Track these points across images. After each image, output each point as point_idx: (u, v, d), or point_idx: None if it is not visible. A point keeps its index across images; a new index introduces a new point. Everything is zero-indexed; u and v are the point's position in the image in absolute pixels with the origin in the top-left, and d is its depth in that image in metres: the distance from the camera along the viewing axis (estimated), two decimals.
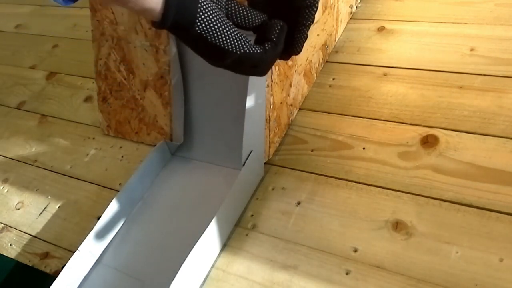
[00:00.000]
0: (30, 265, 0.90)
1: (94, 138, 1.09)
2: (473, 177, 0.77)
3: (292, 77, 0.93)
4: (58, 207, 0.97)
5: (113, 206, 0.83)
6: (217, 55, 0.55)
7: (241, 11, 0.57)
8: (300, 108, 0.99)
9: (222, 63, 0.56)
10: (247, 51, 0.55)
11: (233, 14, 0.57)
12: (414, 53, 1.03)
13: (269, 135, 0.88)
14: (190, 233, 0.77)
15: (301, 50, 0.63)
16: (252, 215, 0.83)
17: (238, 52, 0.54)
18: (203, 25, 0.52)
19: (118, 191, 0.90)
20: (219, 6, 0.55)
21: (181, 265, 0.69)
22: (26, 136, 1.17)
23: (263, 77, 0.84)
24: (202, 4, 0.51)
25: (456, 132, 0.85)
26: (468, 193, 0.76)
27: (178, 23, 0.51)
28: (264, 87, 0.84)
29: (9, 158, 1.13)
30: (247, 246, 0.79)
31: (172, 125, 0.95)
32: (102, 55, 1.01)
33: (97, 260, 0.82)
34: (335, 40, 1.11)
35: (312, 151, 0.90)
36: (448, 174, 0.79)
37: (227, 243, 0.80)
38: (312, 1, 0.58)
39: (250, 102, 0.81)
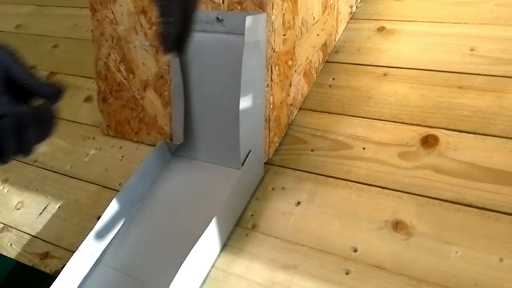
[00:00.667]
0: (30, 265, 0.90)
1: (94, 138, 1.09)
2: (473, 177, 0.77)
3: (292, 77, 0.93)
4: (58, 207, 0.97)
5: (113, 206, 0.83)
6: None
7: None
8: (300, 108, 0.99)
9: None
10: None
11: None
12: (414, 53, 1.03)
13: (269, 135, 0.88)
14: (190, 233, 0.77)
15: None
16: (252, 215, 0.83)
17: None
18: None
19: (118, 191, 0.90)
20: None
21: (181, 265, 0.69)
22: None
23: (262, 77, 0.84)
24: None
25: (456, 132, 0.85)
26: (468, 193, 0.76)
27: None
28: (263, 87, 0.84)
29: None
30: (247, 246, 0.79)
31: (172, 125, 0.95)
32: (102, 55, 1.01)
33: (97, 260, 0.82)
34: (335, 40, 1.11)
35: (312, 151, 0.90)
36: (448, 174, 0.79)
37: (227, 243, 0.80)
38: None
39: (247, 102, 0.81)
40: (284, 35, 0.87)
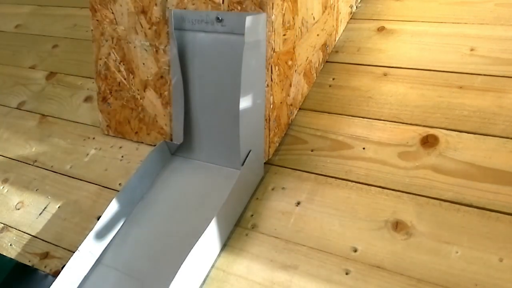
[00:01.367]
0: (30, 265, 0.90)
1: (94, 138, 1.09)
2: (473, 177, 0.77)
3: (292, 77, 0.93)
4: (58, 207, 0.97)
5: (113, 206, 0.83)
6: None
7: None
8: (300, 108, 0.99)
9: None
10: None
11: None
12: (414, 53, 1.03)
13: (269, 135, 0.88)
14: (190, 233, 0.77)
15: None
16: (252, 215, 0.83)
17: None
18: None
19: (118, 191, 0.90)
20: None
21: (181, 265, 0.69)
22: (26, 136, 1.17)
23: (262, 77, 0.84)
24: None
25: (456, 132, 0.85)
26: (468, 193, 0.76)
27: None
28: (263, 87, 0.84)
29: (9, 158, 1.13)
30: (247, 246, 0.79)
31: (172, 125, 0.95)
32: (102, 55, 1.01)
33: (97, 260, 0.82)
34: (335, 40, 1.11)
35: (312, 151, 0.90)
36: (448, 174, 0.79)
37: (227, 243, 0.80)
38: None
39: (247, 102, 0.81)
40: (284, 35, 0.87)
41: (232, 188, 0.79)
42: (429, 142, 0.84)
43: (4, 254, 0.93)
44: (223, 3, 0.83)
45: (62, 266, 0.81)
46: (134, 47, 0.96)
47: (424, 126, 0.87)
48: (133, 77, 0.98)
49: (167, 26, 0.90)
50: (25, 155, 1.12)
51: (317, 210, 0.80)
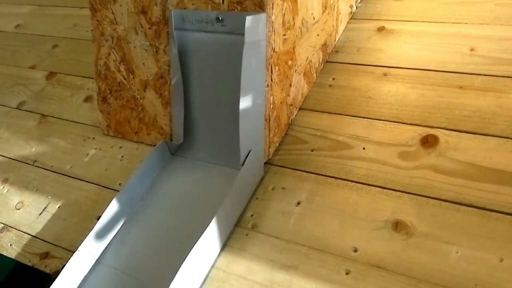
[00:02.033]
0: (30, 265, 0.90)
1: (94, 138, 1.09)
2: (473, 177, 0.77)
3: (292, 77, 0.93)
4: (58, 207, 0.97)
5: (113, 206, 0.83)
6: None
7: None
8: (300, 108, 0.99)
9: None
10: None
11: None
12: (414, 53, 1.03)
13: (269, 135, 0.88)
14: (190, 233, 0.77)
15: None
16: (252, 215, 0.83)
17: None
18: None
19: (118, 191, 0.90)
20: None
21: (181, 265, 0.69)
22: (26, 136, 1.17)
23: (262, 77, 0.84)
24: None
25: (456, 132, 0.85)
26: (468, 193, 0.76)
27: None
28: (263, 87, 0.84)
29: (9, 158, 1.13)
30: (247, 246, 0.79)
31: (172, 125, 0.95)
32: (102, 55, 1.01)
33: (97, 260, 0.82)
34: (335, 40, 1.11)
35: (312, 151, 0.90)
36: (448, 174, 0.79)
37: (227, 243, 0.80)
38: None
39: (247, 102, 0.81)
40: (284, 35, 0.87)
41: (232, 188, 0.79)
42: (429, 142, 0.85)
43: (4, 254, 0.93)
44: (223, 3, 0.83)
45: (62, 266, 0.81)
46: (134, 47, 0.96)
47: (424, 126, 0.87)
48: (133, 77, 0.98)
49: (167, 26, 0.90)
50: (25, 155, 1.12)
51: (317, 210, 0.80)
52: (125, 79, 1.00)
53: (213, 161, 0.89)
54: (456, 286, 0.66)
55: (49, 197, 1.00)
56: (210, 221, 0.74)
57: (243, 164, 0.82)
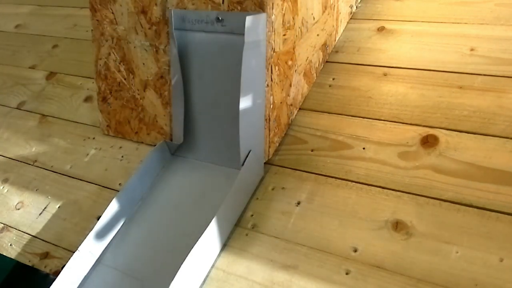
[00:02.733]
0: (30, 265, 0.90)
1: (94, 138, 1.09)
2: (473, 177, 0.77)
3: (292, 77, 0.93)
4: (58, 207, 0.97)
5: (113, 206, 0.83)
6: None
7: None
8: (300, 108, 0.99)
9: None
10: None
11: None
12: (414, 53, 1.03)
13: (269, 135, 0.88)
14: (190, 233, 0.77)
15: None
16: (252, 215, 0.83)
17: None
18: None
19: (118, 191, 0.90)
20: None
21: (181, 265, 0.69)
22: (26, 136, 1.17)
23: (262, 77, 0.84)
24: None
25: (456, 132, 0.85)
26: (468, 193, 0.76)
27: None
28: (263, 87, 0.84)
29: (9, 158, 1.13)
30: (247, 246, 0.79)
31: (172, 125, 0.95)
32: (102, 55, 1.01)
33: (97, 260, 0.82)
34: (335, 40, 1.11)
35: (312, 151, 0.90)
36: (448, 174, 0.79)
37: (227, 243, 0.80)
38: None
39: (247, 102, 0.81)
40: (284, 35, 0.87)
41: (232, 188, 0.79)
42: (429, 142, 0.84)
43: (4, 254, 0.93)
44: (223, 3, 0.83)
45: (62, 266, 0.81)
46: (134, 47, 0.96)
47: (424, 126, 0.87)
48: (133, 77, 0.98)
49: (167, 26, 0.90)
50: (25, 155, 1.12)
51: (317, 210, 0.80)
52: (125, 79, 1.00)
53: (213, 161, 0.89)
54: (456, 286, 0.66)
55: (49, 197, 1.00)
56: (210, 221, 0.74)
57: (243, 164, 0.82)
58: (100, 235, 0.82)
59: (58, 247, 0.90)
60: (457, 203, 0.75)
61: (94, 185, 0.99)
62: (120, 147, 1.04)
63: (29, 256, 0.91)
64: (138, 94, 0.99)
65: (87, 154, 1.06)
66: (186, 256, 0.70)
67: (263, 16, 0.80)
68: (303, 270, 0.73)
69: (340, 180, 0.84)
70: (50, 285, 0.75)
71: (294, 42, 0.91)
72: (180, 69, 0.88)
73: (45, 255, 0.89)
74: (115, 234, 0.84)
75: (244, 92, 0.80)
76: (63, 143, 1.11)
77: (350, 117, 0.94)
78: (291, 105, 0.95)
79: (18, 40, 1.57)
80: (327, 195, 0.82)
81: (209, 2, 0.84)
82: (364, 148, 0.87)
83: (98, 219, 0.82)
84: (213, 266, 0.77)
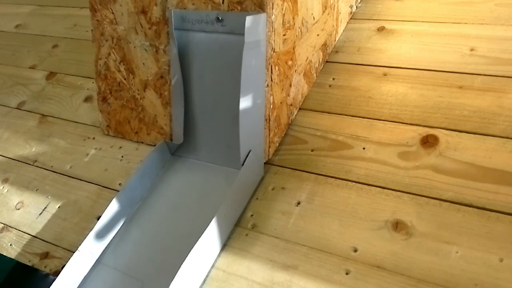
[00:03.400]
0: (30, 265, 0.90)
1: (94, 138, 1.09)
2: (473, 177, 0.77)
3: (292, 77, 0.93)
4: (58, 207, 0.97)
5: (113, 206, 0.83)
6: None
7: None
8: (300, 108, 0.99)
9: None
10: None
11: None
12: (414, 53, 1.03)
13: (269, 135, 0.88)
14: (190, 233, 0.77)
15: None
16: (252, 215, 0.83)
17: None
18: None
19: (118, 191, 0.90)
20: None
21: (181, 265, 0.69)
22: (26, 136, 1.17)
23: (262, 77, 0.84)
24: None
25: (456, 132, 0.85)
26: (468, 193, 0.76)
27: None
28: (263, 87, 0.84)
29: (9, 158, 1.13)
30: (247, 246, 0.79)
31: (172, 125, 0.95)
32: (102, 55, 1.01)
33: (97, 260, 0.82)
34: (335, 40, 1.11)
35: (312, 151, 0.90)
36: (448, 174, 0.79)
37: (227, 243, 0.80)
38: None
39: (247, 102, 0.81)
40: (284, 35, 0.87)
41: (232, 188, 0.79)
42: (429, 142, 0.85)
43: (4, 254, 0.93)
44: (223, 3, 0.83)
45: (62, 266, 0.81)
46: (134, 47, 0.96)
47: (424, 126, 0.87)
48: (133, 77, 0.98)
49: (167, 26, 0.90)
50: (25, 155, 1.12)
51: (317, 210, 0.80)
52: (125, 79, 1.00)
53: (213, 161, 0.89)
54: (456, 286, 0.66)
55: (49, 197, 1.00)
56: (210, 221, 0.74)
57: (243, 164, 0.82)
58: (100, 235, 0.82)
59: (58, 247, 0.90)
60: (457, 203, 0.75)
61: (94, 185, 0.99)
62: (120, 147, 1.04)
63: (29, 256, 0.91)
64: (138, 94, 0.99)
65: (87, 154, 1.06)
66: (186, 256, 0.70)
67: (263, 16, 0.80)
68: (303, 270, 0.73)
69: (340, 180, 0.84)
70: (50, 285, 0.75)
71: (294, 42, 0.91)
72: (180, 69, 0.88)
73: (45, 255, 0.89)
74: (115, 234, 0.84)
75: (244, 92, 0.80)
76: (63, 143, 1.11)
77: (350, 117, 0.94)
78: (291, 105, 0.95)
79: (18, 40, 1.57)
80: (327, 195, 0.82)
81: (209, 2, 0.84)
82: (364, 148, 0.87)
83: (98, 219, 0.82)
84: (213, 266, 0.77)
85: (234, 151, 0.84)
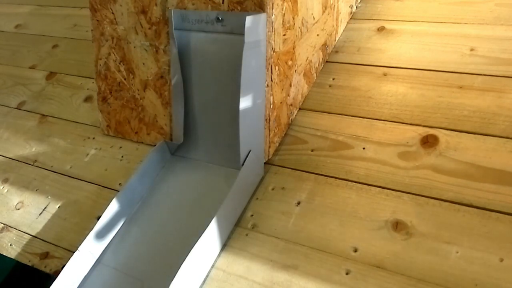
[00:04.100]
0: (30, 265, 0.90)
1: (94, 138, 1.09)
2: (473, 177, 0.77)
3: (292, 77, 0.93)
4: (58, 207, 0.97)
5: (113, 206, 0.83)
6: None
7: None
8: (300, 108, 0.99)
9: None
10: None
11: None
12: (414, 53, 1.03)
13: (269, 135, 0.88)
14: (190, 233, 0.77)
15: None
16: (252, 215, 0.83)
17: None
18: None
19: (118, 191, 0.90)
20: None
21: (181, 265, 0.69)
22: (26, 136, 1.17)
23: (262, 77, 0.84)
24: None
25: (456, 132, 0.85)
26: (468, 193, 0.76)
27: None
28: (263, 87, 0.84)
29: (9, 158, 1.13)
30: (247, 246, 0.79)
31: (172, 125, 0.95)
32: (102, 55, 1.01)
33: (97, 260, 0.82)
34: (335, 40, 1.11)
35: (312, 151, 0.90)
36: (448, 174, 0.79)
37: (227, 243, 0.80)
38: None
39: (247, 102, 0.81)
40: (284, 35, 0.87)
41: (232, 188, 0.79)
42: (429, 142, 0.85)
43: (4, 254, 0.93)
44: (223, 3, 0.83)
45: (62, 266, 0.81)
46: (134, 47, 0.96)
47: (424, 126, 0.87)
48: (133, 77, 0.98)
49: (167, 26, 0.90)
50: (25, 155, 1.12)
51: (317, 210, 0.80)
52: (125, 79, 1.00)
53: (213, 161, 0.89)
54: (456, 286, 0.66)
55: (49, 197, 1.00)
56: (210, 221, 0.74)
57: (243, 164, 0.82)
58: (100, 235, 0.82)
59: (58, 247, 0.90)
60: (457, 203, 0.75)
61: (94, 185, 0.99)
62: (120, 147, 1.04)
63: (29, 256, 0.91)
64: (138, 94, 0.99)
65: (87, 154, 1.06)
66: (186, 256, 0.70)
67: (263, 16, 0.80)
68: (303, 270, 0.73)
69: (340, 180, 0.84)
70: (50, 285, 0.75)
71: (294, 42, 0.91)
72: (180, 69, 0.88)
73: (45, 255, 0.89)
74: (115, 234, 0.84)
75: (244, 92, 0.80)
76: (63, 143, 1.11)
77: (350, 117, 0.94)
78: (291, 105, 0.95)
79: (18, 40, 1.57)
80: (327, 195, 0.82)
81: (209, 2, 0.84)
82: (364, 148, 0.87)
83: (98, 219, 0.82)
84: (213, 266, 0.77)
85: (234, 151, 0.84)
